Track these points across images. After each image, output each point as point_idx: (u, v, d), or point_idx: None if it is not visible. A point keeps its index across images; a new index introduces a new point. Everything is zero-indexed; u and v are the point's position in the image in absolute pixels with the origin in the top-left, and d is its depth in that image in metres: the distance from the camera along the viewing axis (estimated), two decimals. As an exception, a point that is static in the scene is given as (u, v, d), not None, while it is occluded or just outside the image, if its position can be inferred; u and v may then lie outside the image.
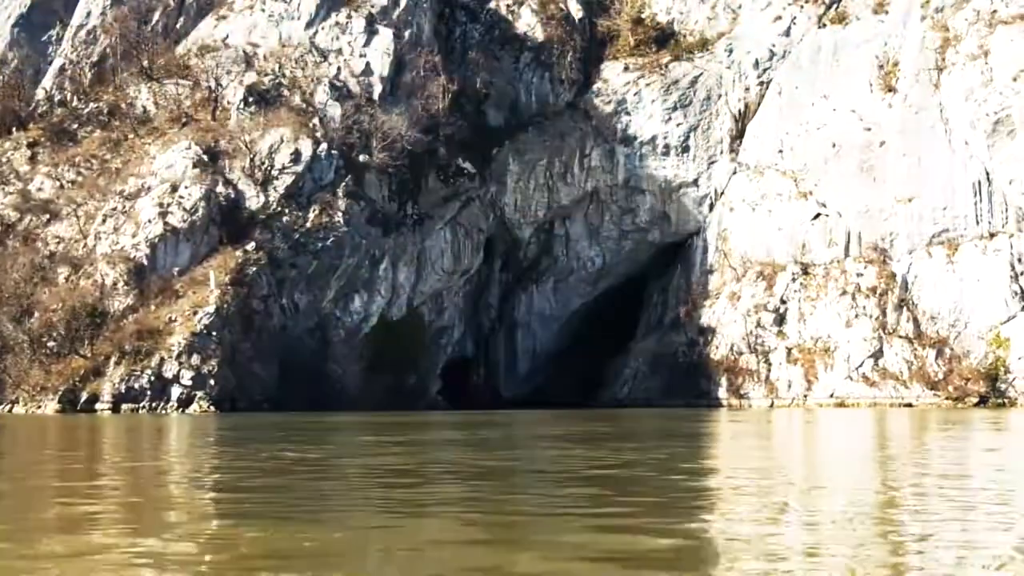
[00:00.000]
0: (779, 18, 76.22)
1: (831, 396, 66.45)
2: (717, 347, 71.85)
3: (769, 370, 69.57)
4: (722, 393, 70.12)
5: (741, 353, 70.89)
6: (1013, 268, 63.81)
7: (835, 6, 75.43)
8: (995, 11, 67.34)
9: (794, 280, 70.81)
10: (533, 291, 79.78)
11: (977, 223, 65.81)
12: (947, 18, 69.32)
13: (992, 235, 65.22)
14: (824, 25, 74.94)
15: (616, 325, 79.17)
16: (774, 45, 75.71)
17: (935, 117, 67.59)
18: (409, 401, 68.68)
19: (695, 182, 76.55)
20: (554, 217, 78.43)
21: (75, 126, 73.92)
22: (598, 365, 77.87)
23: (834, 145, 71.06)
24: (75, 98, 76.33)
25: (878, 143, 69.64)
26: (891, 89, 70.25)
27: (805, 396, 67.43)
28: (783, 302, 70.65)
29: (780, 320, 70.38)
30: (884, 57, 71.57)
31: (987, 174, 65.33)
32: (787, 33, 75.64)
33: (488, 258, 78.05)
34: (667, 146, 76.53)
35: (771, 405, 67.80)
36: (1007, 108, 64.18)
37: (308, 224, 66.43)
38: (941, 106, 67.51)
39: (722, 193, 76.11)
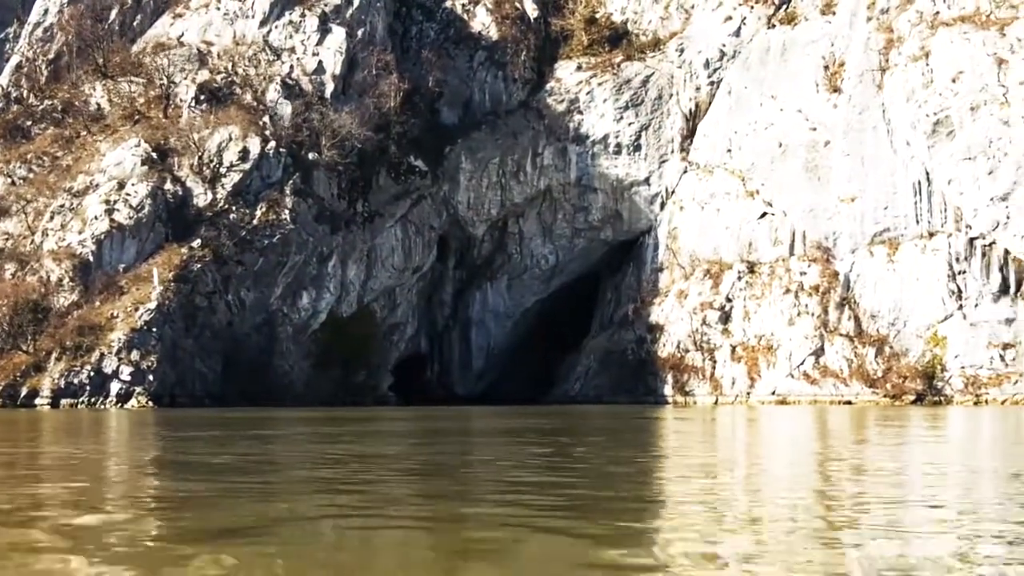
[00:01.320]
0: (730, 18, 76.79)
1: (773, 393, 67.11)
2: (664, 344, 72.48)
3: (714, 367, 70.23)
4: (668, 390, 70.76)
5: (687, 350, 71.52)
6: (951, 267, 64.40)
7: (784, 7, 76.01)
8: (937, 13, 67.96)
9: (740, 279, 71.44)
10: (487, 288, 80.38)
11: (917, 223, 66.43)
12: (891, 19, 69.92)
13: (931, 235, 65.83)
14: (773, 26, 75.52)
15: (571, 323, 79.88)
16: (724, 45, 76.28)
17: (878, 117, 68.20)
18: (358, 397, 69.47)
19: (646, 181, 77.15)
20: (507, 215, 79.02)
21: (29, 123, 74.51)
22: (552, 362, 78.59)
23: (780, 145, 71.67)
24: (31, 95, 76.84)
25: (823, 143, 70.27)
26: (836, 89, 70.85)
27: (748, 393, 68.06)
28: (729, 300, 71.28)
29: (725, 318, 71.00)
30: (830, 58, 72.17)
31: (927, 174, 65.93)
32: (737, 33, 76.20)
33: (442, 256, 78.73)
34: (619, 145, 77.12)
35: (715, 402, 68.43)
36: (946, 109, 64.81)
37: (255, 221, 67.04)
38: (884, 107, 68.12)
39: (673, 192, 76.72)
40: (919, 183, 66.29)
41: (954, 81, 64.99)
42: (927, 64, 66.43)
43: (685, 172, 76.36)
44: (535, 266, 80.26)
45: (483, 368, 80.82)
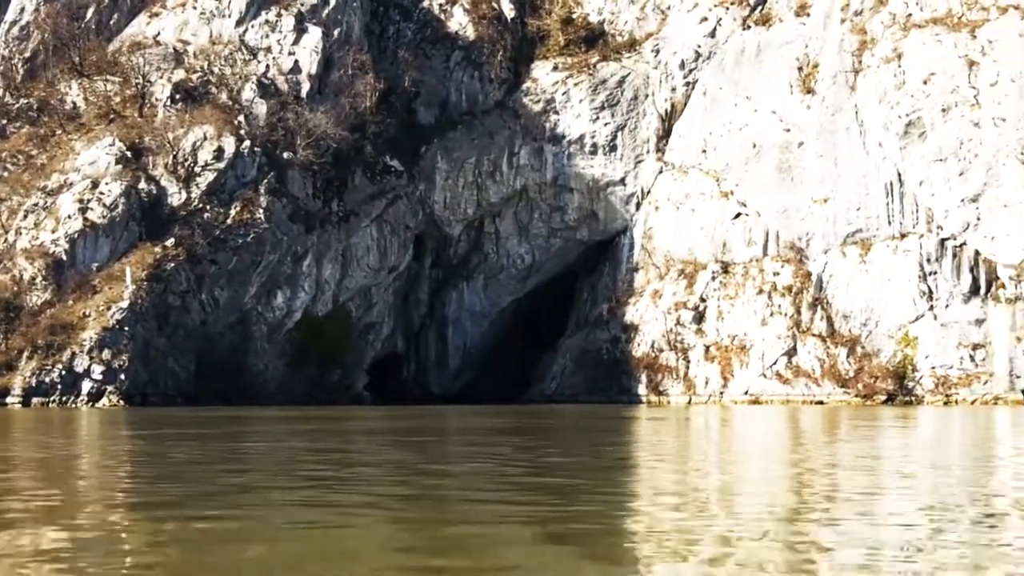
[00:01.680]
0: (705, 19, 77.05)
1: (746, 393, 67.42)
2: (639, 344, 72.73)
3: (688, 367, 70.51)
4: (642, 390, 71.03)
5: (661, 350, 71.78)
6: (922, 268, 64.83)
7: (759, 8, 76.28)
8: (910, 15, 68.34)
9: (714, 279, 71.72)
10: (463, 288, 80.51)
11: (889, 223, 66.83)
12: (865, 21, 70.29)
13: (903, 235, 66.23)
14: (748, 27, 75.76)
15: (547, 322, 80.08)
16: (700, 46, 76.52)
17: (851, 119, 68.58)
18: (333, 396, 69.61)
19: (622, 181, 77.38)
20: (483, 215, 79.18)
21: (4, 121, 74.34)
22: (528, 361, 78.71)
23: (754, 146, 71.95)
24: (7, 94, 76.68)
25: (796, 144, 70.59)
26: (810, 91, 71.19)
27: (721, 393, 68.37)
28: (703, 300, 71.57)
29: (699, 318, 71.28)
30: (804, 59, 72.50)
31: (899, 175, 66.36)
32: (712, 34, 76.46)
33: (418, 255, 78.82)
34: (595, 145, 77.33)
35: (689, 402, 68.73)
36: (918, 110, 65.22)
37: (229, 220, 67.09)
38: (856, 108, 68.50)
39: (648, 192, 76.96)
40: (891, 184, 66.70)
41: (926, 83, 65.40)
42: (899, 66, 66.81)
43: (660, 172, 76.59)
44: (511, 265, 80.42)
45: (460, 367, 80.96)
